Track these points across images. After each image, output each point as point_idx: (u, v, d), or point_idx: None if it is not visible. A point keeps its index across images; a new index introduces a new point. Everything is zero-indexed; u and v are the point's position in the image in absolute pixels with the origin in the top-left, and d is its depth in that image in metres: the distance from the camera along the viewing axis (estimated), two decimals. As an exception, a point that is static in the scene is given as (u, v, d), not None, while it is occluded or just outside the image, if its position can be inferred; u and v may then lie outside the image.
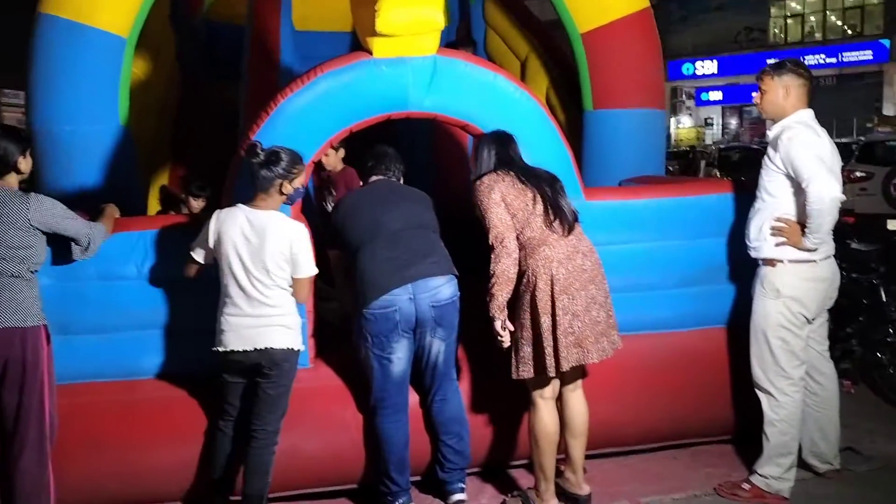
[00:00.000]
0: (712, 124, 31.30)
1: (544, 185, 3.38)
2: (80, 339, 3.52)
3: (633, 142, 4.67)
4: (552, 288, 3.24)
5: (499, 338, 3.30)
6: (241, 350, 3.21)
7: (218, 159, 4.97)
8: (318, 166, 4.48)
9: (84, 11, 4.04)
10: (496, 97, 3.65)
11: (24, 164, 3.20)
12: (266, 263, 3.17)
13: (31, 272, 3.15)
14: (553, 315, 3.24)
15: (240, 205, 3.27)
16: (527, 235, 3.30)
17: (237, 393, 3.34)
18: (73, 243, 3.28)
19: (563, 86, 5.53)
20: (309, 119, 3.50)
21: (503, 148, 3.46)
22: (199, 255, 3.31)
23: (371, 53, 3.47)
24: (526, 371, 3.31)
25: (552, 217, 3.32)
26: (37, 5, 4.18)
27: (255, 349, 3.20)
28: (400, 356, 3.44)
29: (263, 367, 3.23)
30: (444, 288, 3.43)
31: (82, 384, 3.51)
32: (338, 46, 6.71)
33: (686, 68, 29.89)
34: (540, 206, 3.33)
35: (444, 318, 3.45)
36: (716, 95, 30.62)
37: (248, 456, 3.29)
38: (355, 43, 6.59)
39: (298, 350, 3.31)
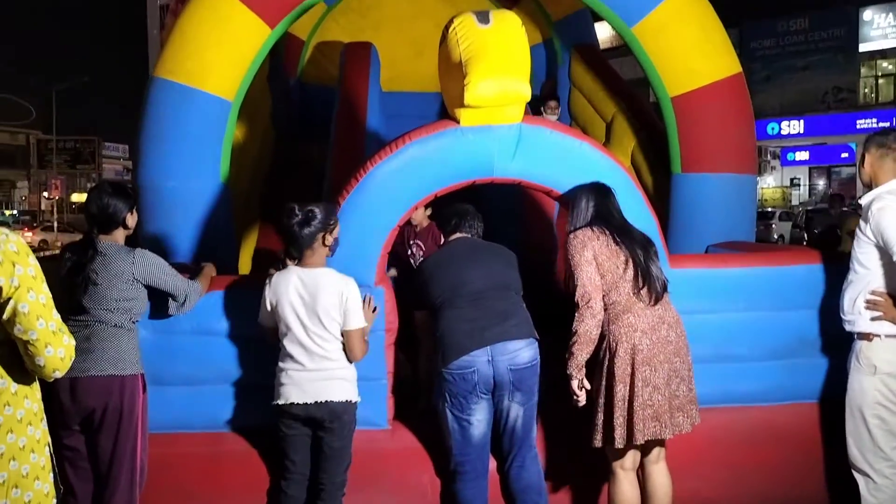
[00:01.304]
0: (799, 185, 30.52)
1: (638, 248, 3.34)
2: (172, 391, 3.64)
3: (723, 207, 4.61)
4: (633, 358, 3.20)
5: (575, 397, 3.27)
6: (300, 403, 3.27)
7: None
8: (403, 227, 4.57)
9: (195, 76, 4.30)
10: (581, 163, 3.66)
11: (131, 220, 3.38)
12: (321, 317, 3.26)
13: (133, 322, 3.30)
14: (631, 386, 3.19)
15: (291, 266, 3.38)
16: (612, 299, 3.26)
17: (297, 448, 3.36)
18: (170, 298, 3.43)
19: (650, 147, 5.53)
20: (397, 184, 3.60)
21: (602, 201, 3.45)
22: (263, 319, 3.42)
23: (458, 122, 3.55)
24: (601, 440, 3.26)
25: (641, 284, 3.28)
26: (145, 70, 4.46)
27: (316, 402, 3.26)
28: (479, 418, 3.43)
29: (324, 420, 3.28)
30: (523, 351, 3.41)
31: (171, 434, 3.62)
32: (421, 106, 6.95)
33: (771, 128, 29.36)
34: (630, 272, 3.29)
35: (523, 381, 3.41)
36: (802, 155, 29.94)
37: None
38: (438, 102, 6.87)
39: (356, 402, 3.35)
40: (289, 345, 3.30)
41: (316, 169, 6.10)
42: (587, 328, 3.22)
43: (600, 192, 3.48)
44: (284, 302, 3.29)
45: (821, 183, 30.86)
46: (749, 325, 3.82)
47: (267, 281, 3.38)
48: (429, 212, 4.83)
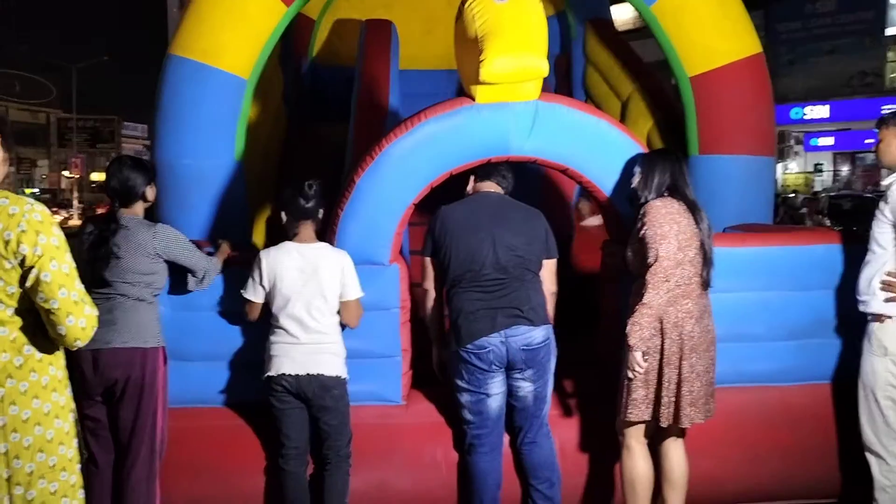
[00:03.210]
0: (822, 171, 30.16)
1: (707, 231, 3.31)
2: (190, 366, 3.69)
3: (740, 189, 4.56)
4: (682, 343, 3.21)
5: (636, 369, 3.22)
6: (292, 374, 3.31)
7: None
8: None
9: (211, 54, 4.31)
10: (598, 141, 3.65)
11: (150, 192, 3.43)
12: (324, 291, 3.32)
13: (154, 296, 3.35)
14: (679, 371, 3.21)
15: (286, 242, 3.41)
16: (673, 282, 3.22)
17: (291, 423, 3.39)
18: (189, 274, 3.47)
19: (667, 129, 5.48)
20: (412, 162, 3.59)
21: (680, 170, 3.39)
22: (258, 297, 3.42)
23: (473, 99, 3.54)
24: (636, 414, 3.27)
25: (703, 270, 3.27)
26: (164, 49, 4.47)
27: (307, 374, 3.31)
28: (495, 392, 3.45)
29: (315, 394, 3.32)
30: (536, 332, 3.42)
31: (189, 408, 3.67)
32: (433, 84, 6.91)
33: (795, 112, 28.96)
34: (699, 256, 3.27)
35: (535, 360, 3.43)
36: (826, 141, 29.52)
37: (324, 481, 3.39)
38: (452, 80, 6.83)
39: (345, 378, 3.40)
40: (284, 319, 3.34)
41: (328, 149, 6.11)
42: (660, 303, 3.17)
43: (675, 160, 3.41)
44: (284, 276, 3.33)
45: (844, 169, 30.43)
46: (766, 305, 3.80)
47: (261, 255, 3.41)
48: None
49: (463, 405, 3.50)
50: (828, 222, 17.62)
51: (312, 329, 3.33)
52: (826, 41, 28.43)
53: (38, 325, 2.28)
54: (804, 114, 29.02)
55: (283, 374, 3.32)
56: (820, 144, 29.89)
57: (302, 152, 6.38)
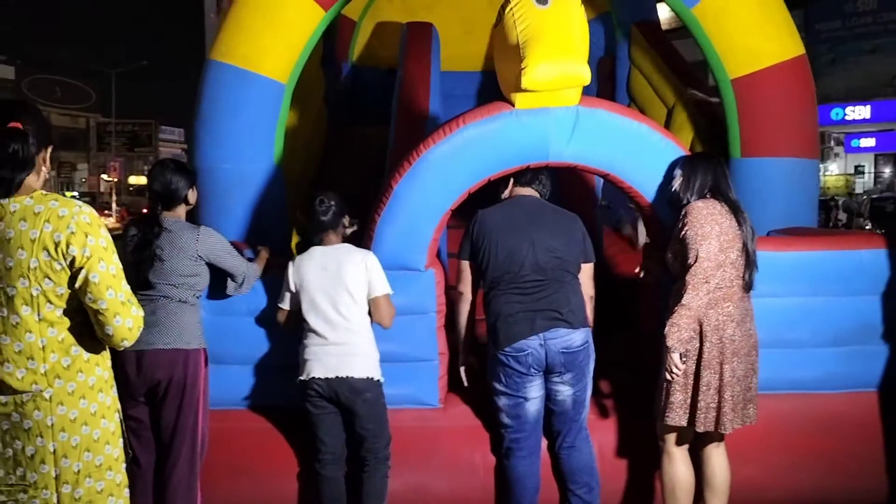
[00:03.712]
0: (863, 172, 29.58)
1: (750, 233, 3.28)
2: (229, 369, 3.73)
3: (784, 192, 4.48)
4: (723, 348, 3.17)
5: (675, 370, 3.18)
6: (322, 377, 3.31)
7: (358, 202, 5.19)
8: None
9: (251, 59, 4.36)
10: (639, 146, 3.62)
11: (192, 196, 3.47)
12: (348, 285, 3.33)
13: (196, 298, 3.39)
14: (720, 376, 3.17)
15: (313, 247, 3.46)
16: (716, 283, 3.19)
17: (326, 428, 3.40)
18: (229, 279, 3.51)
19: (709, 136, 5.40)
20: (450, 168, 3.59)
21: (722, 172, 3.39)
22: (286, 304, 3.48)
23: (513, 105, 3.52)
24: (675, 418, 3.24)
25: (746, 273, 3.24)
26: (203, 55, 4.52)
27: (337, 377, 3.30)
28: (534, 395, 3.43)
29: (347, 397, 3.31)
30: (575, 335, 3.40)
31: (229, 410, 3.71)
32: (471, 86, 6.91)
33: (835, 113, 28.42)
34: (742, 259, 3.24)
35: (574, 363, 3.41)
36: (868, 142, 28.92)
37: (363, 483, 3.39)
38: (491, 81, 6.80)
39: (378, 380, 3.38)
40: (313, 320, 3.36)
41: (369, 151, 6.13)
42: (700, 304, 3.14)
43: (717, 163, 3.41)
44: (309, 277, 3.37)
45: (887, 171, 29.81)
46: (811, 311, 3.74)
47: (290, 263, 3.46)
48: None
49: (501, 409, 3.48)
50: (869, 225, 17.30)
51: (341, 328, 3.33)
52: (867, 40, 27.84)
53: (85, 325, 2.32)
54: (845, 114, 28.46)
55: (314, 378, 3.33)
56: (861, 146, 29.30)
57: (342, 155, 6.42)
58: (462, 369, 3.70)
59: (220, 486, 3.57)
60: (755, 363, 3.28)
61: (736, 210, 3.28)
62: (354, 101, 7.15)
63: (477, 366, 3.70)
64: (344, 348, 3.32)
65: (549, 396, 3.47)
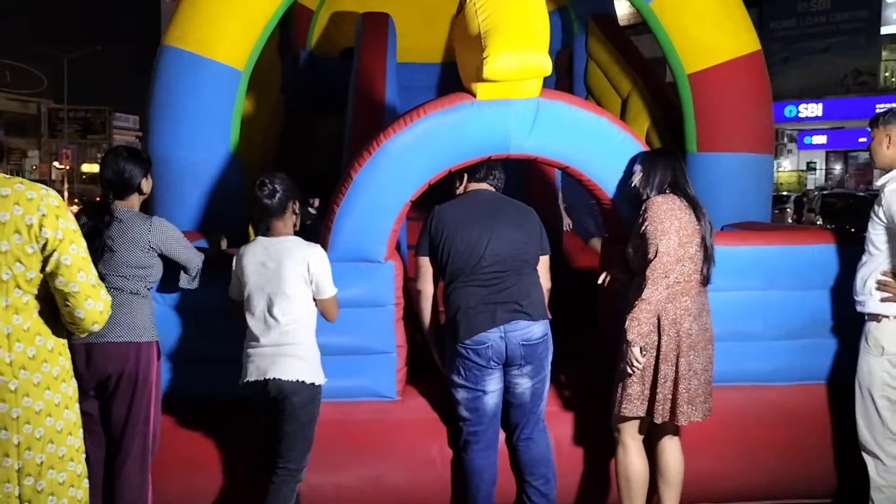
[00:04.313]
0: (815, 169, 30.27)
1: (708, 226, 3.31)
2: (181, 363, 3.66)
3: (738, 186, 4.56)
4: (680, 341, 3.20)
5: (635, 364, 3.20)
6: (254, 380, 3.17)
7: (317, 192, 5.13)
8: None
9: (205, 45, 4.26)
10: (600, 140, 3.63)
11: (146, 185, 3.38)
12: (285, 286, 3.15)
13: (147, 290, 3.30)
14: (676, 368, 3.20)
15: (258, 237, 3.30)
16: (675, 278, 3.21)
17: (271, 431, 3.25)
18: (182, 271, 3.42)
19: (666, 127, 5.46)
20: (410, 159, 3.55)
21: (680, 167, 3.42)
22: (235, 295, 3.32)
23: (474, 96, 3.50)
24: (631, 409, 3.26)
25: (704, 266, 3.27)
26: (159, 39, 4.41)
27: (266, 379, 3.15)
28: (492, 388, 3.42)
29: (277, 400, 3.16)
30: (534, 327, 3.40)
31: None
32: (430, 77, 6.88)
33: (789, 110, 29.02)
34: (700, 253, 3.27)
35: (534, 355, 3.41)
36: (820, 139, 29.62)
37: (268, 490, 3.19)
38: (450, 73, 6.77)
39: (312, 384, 3.18)
40: (249, 318, 3.21)
41: (326, 140, 6.06)
42: (659, 298, 3.17)
43: (676, 159, 3.44)
44: (248, 272, 3.21)
45: (837, 167, 30.58)
46: (764, 304, 3.79)
47: (236, 252, 3.32)
48: None
49: (459, 402, 3.47)
50: (820, 220, 17.69)
51: (274, 329, 3.15)
52: (820, 39, 28.47)
53: (50, 313, 2.27)
54: (798, 112, 29.09)
55: (248, 382, 3.19)
56: (813, 143, 29.98)
57: (299, 144, 6.34)
58: (440, 365, 3.63)
59: (171, 480, 3.49)
60: (711, 357, 3.32)
61: (695, 205, 3.32)
62: (313, 90, 7.07)
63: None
64: (275, 349, 3.16)
65: (508, 389, 3.46)
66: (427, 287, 3.57)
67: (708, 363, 3.29)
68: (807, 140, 30.11)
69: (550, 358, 3.51)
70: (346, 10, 7.16)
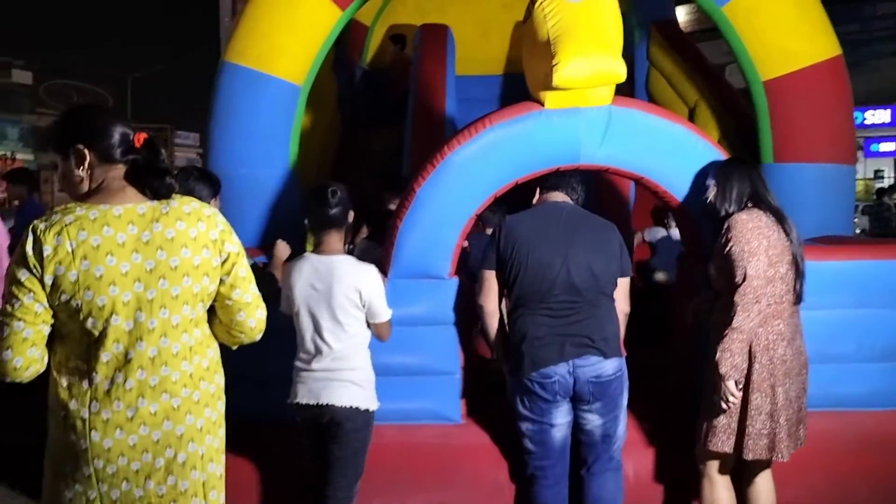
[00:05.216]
0: (883, 177, 29.27)
1: (798, 243, 3.04)
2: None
3: (819, 199, 4.29)
4: (774, 368, 2.95)
5: (730, 400, 2.94)
6: (305, 403, 3.00)
7: (373, 206, 5.06)
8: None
9: (265, 61, 4.22)
10: (676, 149, 3.44)
11: (215, 205, 3.34)
12: (335, 312, 2.96)
13: None
14: (773, 399, 2.96)
15: (307, 254, 3.10)
16: (764, 302, 2.94)
17: (314, 457, 3.09)
18: None
19: (737, 136, 5.23)
20: (476, 170, 3.42)
21: (760, 178, 3.16)
22: (287, 311, 3.12)
23: (542, 105, 3.35)
24: (718, 444, 3.02)
25: (795, 283, 3.01)
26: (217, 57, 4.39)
27: (318, 404, 2.98)
28: (560, 422, 3.18)
29: (328, 425, 3.00)
30: (607, 364, 3.10)
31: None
32: (488, 89, 6.79)
33: (855, 117, 28.12)
34: (791, 272, 3.01)
35: (605, 392, 3.11)
36: (888, 146, 28.63)
37: None
38: (508, 85, 6.66)
39: (367, 409, 3.01)
40: (300, 339, 3.05)
41: (383, 156, 6.00)
42: (752, 326, 2.90)
43: (752, 168, 3.17)
44: (297, 292, 3.02)
45: (906, 175, 29.53)
46: (856, 323, 3.55)
47: (287, 266, 3.15)
48: None
49: (524, 434, 3.24)
50: None
51: (326, 355, 2.97)
52: (888, 43, 27.59)
53: (212, 327, 2.27)
54: (864, 118, 28.16)
55: (298, 404, 3.03)
56: (881, 150, 29.01)
57: (356, 159, 6.31)
58: (508, 393, 3.36)
59: None
60: (805, 382, 3.07)
61: (781, 218, 3.07)
62: (369, 105, 7.05)
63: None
64: (328, 374, 2.99)
65: (577, 424, 3.21)
66: (491, 303, 3.31)
67: (802, 389, 3.05)
68: (873, 147, 29.13)
69: (626, 397, 3.22)
70: (401, 24, 7.12)
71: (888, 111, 27.77)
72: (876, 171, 29.60)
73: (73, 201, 2.12)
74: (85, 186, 2.12)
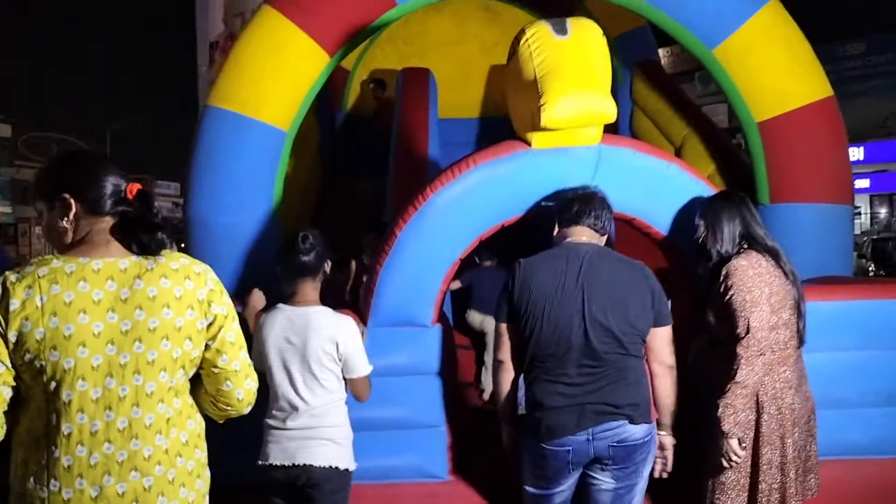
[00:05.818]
0: (860, 213, 29.63)
1: (798, 284, 2.86)
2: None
3: (817, 239, 4.22)
4: (783, 419, 2.79)
5: (734, 459, 2.76)
6: (279, 465, 2.79)
7: (354, 250, 4.94)
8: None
9: (251, 105, 4.13)
10: (668, 189, 3.34)
11: None
12: (311, 366, 2.77)
13: None
14: (783, 451, 2.79)
15: (280, 305, 2.89)
16: (769, 354, 2.78)
17: None
18: None
19: (728, 174, 5.16)
20: (460, 212, 3.31)
21: (752, 216, 2.95)
22: (256, 363, 2.78)
23: (529, 144, 3.24)
24: (726, 501, 2.84)
25: (799, 326, 2.85)
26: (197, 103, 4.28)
27: (294, 465, 2.77)
28: (563, 489, 2.80)
29: (305, 487, 2.79)
30: (634, 429, 2.65)
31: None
32: (468, 132, 6.76)
33: (831, 156, 28.53)
34: (794, 317, 2.83)
35: (628, 457, 2.67)
36: (862, 183, 29.01)
37: None
38: (486, 128, 6.62)
39: (346, 469, 2.81)
40: (272, 395, 2.83)
41: (363, 200, 5.91)
42: (756, 380, 2.74)
43: (741, 202, 2.97)
44: (270, 346, 2.81)
45: (882, 211, 29.90)
46: (860, 366, 3.43)
47: (259, 320, 2.95)
48: None
49: (527, 497, 2.86)
50: (872, 266, 17.10)
51: (303, 413, 2.78)
52: (858, 83, 28.17)
53: (193, 396, 2.09)
54: (839, 157, 28.61)
55: (271, 465, 2.81)
56: (857, 187, 29.40)
57: (337, 205, 6.20)
58: (505, 446, 3.01)
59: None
60: (814, 428, 2.91)
61: (777, 257, 2.91)
62: (349, 150, 6.98)
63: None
64: (305, 432, 2.79)
65: (585, 486, 2.77)
66: (507, 358, 2.86)
67: (809, 437, 2.89)
68: (850, 185, 29.56)
69: (650, 466, 2.77)
70: (383, 68, 7.10)
71: (861, 149, 28.23)
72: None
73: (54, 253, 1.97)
74: (69, 238, 1.96)
